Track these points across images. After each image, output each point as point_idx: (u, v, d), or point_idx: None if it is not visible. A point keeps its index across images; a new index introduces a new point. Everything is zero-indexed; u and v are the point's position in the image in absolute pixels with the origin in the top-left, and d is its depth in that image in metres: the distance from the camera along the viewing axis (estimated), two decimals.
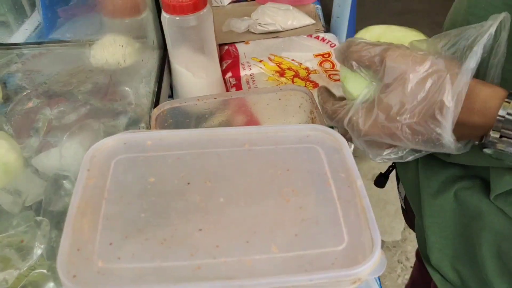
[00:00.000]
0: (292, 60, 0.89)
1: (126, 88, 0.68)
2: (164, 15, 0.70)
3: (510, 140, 0.36)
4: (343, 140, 0.42)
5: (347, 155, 0.40)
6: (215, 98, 0.67)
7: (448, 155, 0.44)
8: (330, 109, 0.45)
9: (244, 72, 0.87)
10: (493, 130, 0.37)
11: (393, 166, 0.67)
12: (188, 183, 0.38)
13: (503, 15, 0.38)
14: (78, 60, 0.79)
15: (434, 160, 0.50)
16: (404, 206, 0.68)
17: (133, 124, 0.64)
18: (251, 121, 0.74)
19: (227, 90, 0.85)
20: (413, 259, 1.64)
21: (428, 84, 0.37)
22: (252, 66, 0.88)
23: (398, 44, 0.41)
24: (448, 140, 0.38)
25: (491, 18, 0.38)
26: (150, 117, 0.66)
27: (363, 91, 0.42)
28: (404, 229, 1.74)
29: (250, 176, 0.39)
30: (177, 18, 0.69)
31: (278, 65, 0.89)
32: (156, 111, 0.65)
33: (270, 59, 0.90)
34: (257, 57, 0.91)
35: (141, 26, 0.74)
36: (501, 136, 0.37)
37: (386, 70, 0.39)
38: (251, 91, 0.69)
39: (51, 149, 0.58)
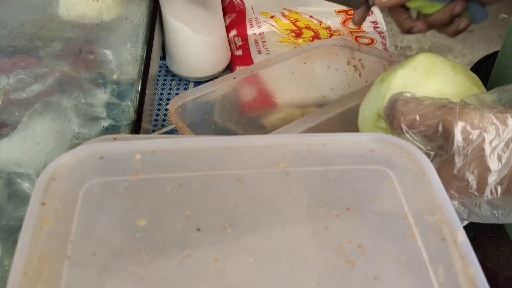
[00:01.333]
0: (311, 17, 0.74)
1: (106, 51, 0.53)
2: None
3: None
4: (425, 159, 0.28)
5: (434, 184, 0.27)
6: (235, 78, 0.53)
7: None
8: None
9: (252, 31, 0.72)
10: None
11: None
12: (198, 229, 0.25)
13: None
14: (44, 9, 0.62)
15: None
16: None
17: (116, 100, 0.50)
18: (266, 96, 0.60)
19: (232, 52, 0.70)
20: None
21: None
22: (262, 23, 0.73)
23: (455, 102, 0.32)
24: None
25: None
26: (137, 92, 0.52)
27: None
28: None
29: (291, 218, 0.26)
30: None
31: (293, 23, 0.73)
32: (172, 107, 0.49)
33: (283, 14, 0.74)
34: (267, 11, 0.75)
35: None
36: None
37: (454, 140, 0.30)
38: (269, 60, 0.55)
39: (4, 138, 0.43)
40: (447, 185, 0.30)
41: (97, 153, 0.28)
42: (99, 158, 0.28)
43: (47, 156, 0.43)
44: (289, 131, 0.44)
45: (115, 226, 0.25)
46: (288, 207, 0.26)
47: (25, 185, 0.42)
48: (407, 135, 0.32)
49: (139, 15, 0.57)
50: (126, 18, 0.52)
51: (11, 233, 0.38)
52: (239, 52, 0.69)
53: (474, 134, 0.30)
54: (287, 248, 0.25)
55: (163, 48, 0.68)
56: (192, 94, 0.49)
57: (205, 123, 0.49)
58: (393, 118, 0.33)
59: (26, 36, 0.62)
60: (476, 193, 0.31)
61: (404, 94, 0.33)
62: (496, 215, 0.31)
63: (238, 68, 0.65)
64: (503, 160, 0.30)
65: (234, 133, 0.52)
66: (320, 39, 0.71)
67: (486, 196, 0.30)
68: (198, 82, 0.66)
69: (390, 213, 0.26)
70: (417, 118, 0.31)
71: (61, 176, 0.27)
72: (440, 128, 0.31)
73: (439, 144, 0.31)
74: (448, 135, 0.31)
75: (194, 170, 0.28)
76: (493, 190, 0.31)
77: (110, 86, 0.50)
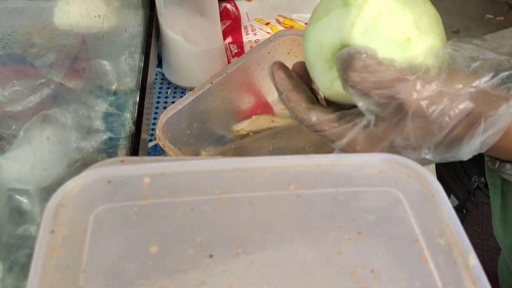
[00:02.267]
0: (306, 24, 0.74)
1: (104, 62, 0.52)
2: None
3: None
4: (434, 181, 0.28)
5: (444, 207, 0.27)
6: (211, 83, 0.53)
7: None
8: (309, 121, 0.36)
9: (247, 38, 0.72)
10: None
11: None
12: (211, 256, 0.25)
13: None
14: (38, 17, 0.61)
15: None
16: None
17: (115, 114, 0.49)
18: (255, 91, 0.61)
19: (228, 60, 0.69)
20: None
21: (454, 122, 0.32)
22: (257, 30, 0.72)
23: (418, 67, 0.32)
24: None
25: None
26: (136, 104, 0.51)
27: (362, 121, 0.35)
28: None
29: (304, 243, 0.26)
30: None
31: (288, 29, 0.73)
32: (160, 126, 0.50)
33: (278, 21, 0.74)
34: (262, 18, 0.75)
35: None
36: None
37: (408, 113, 0.32)
38: (242, 57, 0.56)
39: (1, 154, 0.43)
40: (393, 144, 0.34)
41: (105, 177, 0.27)
42: (108, 183, 0.27)
43: (46, 171, 0.43)
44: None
45: (126, 254, 0.25)
46: (301, 232, 0.26)
47: (25, 201, 0.41)
48: (359, 98, 0.33)
49: (136, 25, 0.57)
50: (125, 30, 0.52)
51: (12, 252, 0.38)
52: (235, 60, 0.69)
53: (425, 107, 0.32)
54: (301, 274, 0.25)
55: (159, 55, 0.67)
56: (173, 109, 0.49)
57: (184, 133, 0.51)
58: (347, 76, 0.33)
59: (19, 43, 0.61)
60: (412, 152, 0.34)
61: (363, 51, 0.32)
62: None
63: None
64: (444, 127, 0.32)
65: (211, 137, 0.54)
66: None
67: (424, 153, 0.34)
68: None
69: (401, 236, 0.26)
70: (373, 87, 0.32)
71: (70, 202, 0.26)
72: (394, 101, 0.32)
73: (391, 111, 0.33)
74: (401, 106, 0.32)
75: (204, 194, 0.27)
76: (427, 150, 0.34)
77: (108, 97, 0.49)
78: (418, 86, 0.32)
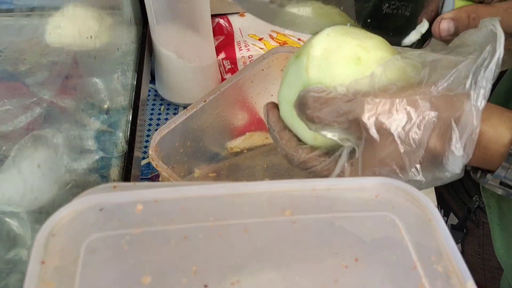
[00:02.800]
0: (299, 39, 0.74)
1: (96, 80, 0.52)
2: None
3: None
4: (430, 205, 0.28)
5: (441, 232, 0.27)
6: (205, 101, 0.53)
7: None
8: (298, 158, 0.37)
9: (240, 54, 0.72)
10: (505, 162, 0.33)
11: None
12: (205, 286, 0.24)
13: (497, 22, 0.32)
14: (29, 35, 0.61)
15: None
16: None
17: (107, 133, 0.48)
18: (249, 108, 0.60)
19: (221, 76, 0.69)
20: None
21: (426, 134, 0.32)
22: (250, 46, 0.73)
23: (368, 86, 0.33)
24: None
25: (486, 35, 0.32)
26: (128, 122, 0.51)
27: (344, 150, 0.35)
28: None
29: (300, 271, 0.26)
30: None
31: (282, 46, 0.73)
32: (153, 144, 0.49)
33: (271, 37, 0.74)
34: (255, 34, 0.75)
35: None
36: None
37: (368, 132, 0.32)
38: (235, 74, 0.56)
39: None
40: (374, 170, 0.33)
41: (97, 204, 0.27)
42: (99, 210, 0.27)
43: (37, 193, 0.42)
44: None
45: (119, 285, 0.24)
46: (297, 259, 0.26)
47: (15, 224, 0.40)
48: (325, 132, 0.34)
49: (129, 43, 0.57)
50: (118, 48, 0.51)
51: (2, 278, 0.37)
52: (228, 76, 0.69)
53: (387, 123, 0.31)
54: None
55: (152, 71, 0.67)
56: (166, 128, 0.49)
57: (178, 151, 0.50)
58: (306, 116, 0.34)
59: (10, 61, 0.61)
60: (401, 175, 0.33)
61: (313, 89, 0.34)
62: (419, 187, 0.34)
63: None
64: (417, 142, 0.32)
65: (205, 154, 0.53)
66: None
67: (410, 175, 0.33)
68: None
69: (399, 263, 0.26)
70: (330, 115, 0.33)
71: (60, 231, 0.26)
72: (352, 123, 0.32)
73: (357, 135, 0.33)
74: (361, 127, 0.32)
75: (198, 221, 0.27)
76: (415, 171, 0.33)
77: (100, 116, 0.49)
78: (368, 103, 0.32)
